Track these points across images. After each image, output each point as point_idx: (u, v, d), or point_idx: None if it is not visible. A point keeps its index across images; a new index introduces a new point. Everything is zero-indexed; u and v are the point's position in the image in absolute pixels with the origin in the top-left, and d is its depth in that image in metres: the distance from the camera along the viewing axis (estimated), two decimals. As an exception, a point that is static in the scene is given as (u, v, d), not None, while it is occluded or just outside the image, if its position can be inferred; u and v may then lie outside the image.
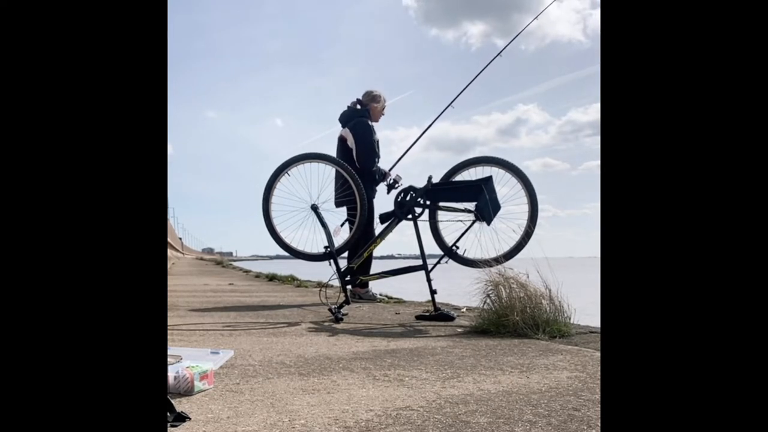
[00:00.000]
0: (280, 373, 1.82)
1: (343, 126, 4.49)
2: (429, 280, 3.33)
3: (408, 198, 3.52)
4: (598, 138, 0.92)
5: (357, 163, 4.34)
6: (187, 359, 1.72)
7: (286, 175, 3.79)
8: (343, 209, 4.15)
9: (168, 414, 1.24)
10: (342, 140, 4.45)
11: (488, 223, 3.36)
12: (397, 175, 4.37)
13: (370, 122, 4.47)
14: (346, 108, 4.57)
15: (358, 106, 4.54)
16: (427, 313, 3.26)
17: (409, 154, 4.83)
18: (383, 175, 4.41)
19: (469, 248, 3.49)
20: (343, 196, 3.94)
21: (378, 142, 4.45)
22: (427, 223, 3.59)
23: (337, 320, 3.13)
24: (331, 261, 3.63)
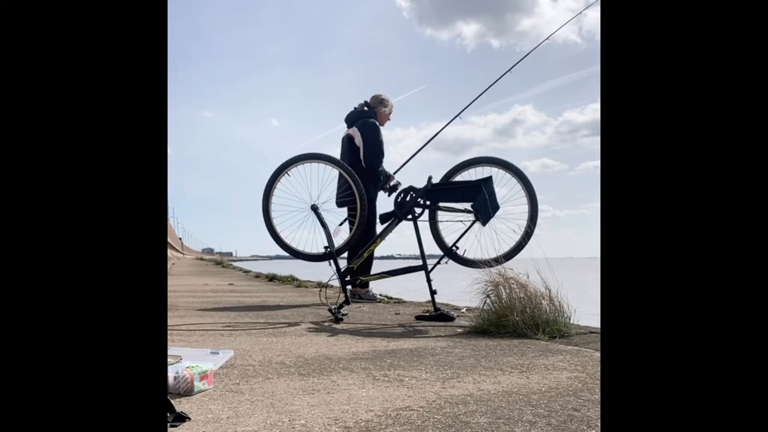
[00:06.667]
0: (280, 373, 1.82)
1: (350, 126, 4.50)
2: (429, 281, 3.33)
3: (408, 198, 3.52)
4: (595, 138, 0.92)
5: (363, 163, 4.34)
6: (187, 359, 1.72)
7: (286, 175, 3.79)
8: (345, 209, 4.15)
9: (168, 414, 1.24)
10: (349, 139, 4.45)
11: (483, 224, 3.35)
12: (397, 181, 4.39)
13: (377, 123, 4.48)
14: (352, 109, 4.58)
15: (366, 108, 4.54)
16: (427, 314, 3.26)
17: (407, 154, 4.85)
18: (387, 178, 4.41)
19: (469, 248, 3.49)
20: (344, 196, 3.94)
21: (383, 143, 4.47)
22: (427, 223, 3.60)
23: (337, 320, 3.13)
24: (331, 261, 3.63)
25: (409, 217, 3.50)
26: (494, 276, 2.83)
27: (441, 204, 3.53)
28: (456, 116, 4.63)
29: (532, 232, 3.47)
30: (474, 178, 3.50)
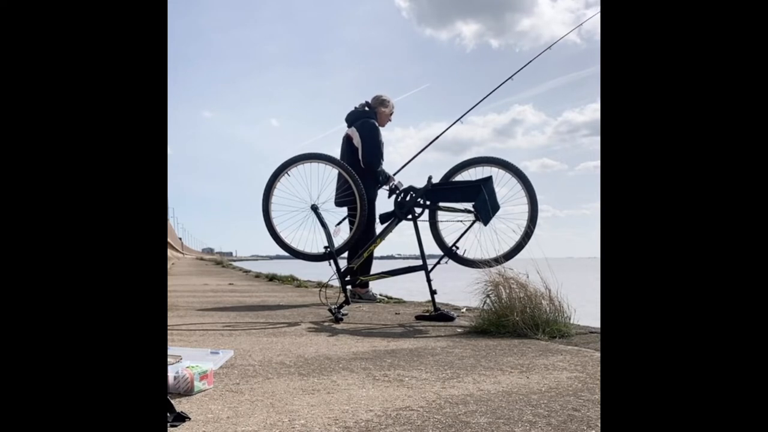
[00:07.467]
0: (280, 373, 1.82)
1: (349, 126, 4.50)
2: (429, 281, 3.33)
3: (408, 198, 3.52)
4: (595, 138, 0.93)
5: (362, 163, 4.34)
6: (187, 359, 1.72)
7: (286, 175, 3.79)
8: (344, 209, 4.15)
9: (168, 414, 1.24)
10: (348, 139, 4.45)
11: (485, 224, 3.35)
12: (399, 182, 4.40)
13: (376, 124, 4.48)
14: (353, 108, 4.58)
15: (367, 108, 4.54)
16: (427, 313, 3.26)
17: (406, 154, 4.85)
18: (387, 178, 4.41)
19: (469, 248, 3.50)
20: (343, 196, 3.94)
21: (382, 144, 4.46)
22: (427, 223, 3.60)
23: (337, 320, 3.13)
24: (331, 261, 3.63)
25: (409, 217, 3.50)
26: (494, 276, 2.83)
27: (441, 204, 3.53)
28: (457, 120, 4.64)
29: (532, 232, 3.47)
30: (474, 178, 3.50)
